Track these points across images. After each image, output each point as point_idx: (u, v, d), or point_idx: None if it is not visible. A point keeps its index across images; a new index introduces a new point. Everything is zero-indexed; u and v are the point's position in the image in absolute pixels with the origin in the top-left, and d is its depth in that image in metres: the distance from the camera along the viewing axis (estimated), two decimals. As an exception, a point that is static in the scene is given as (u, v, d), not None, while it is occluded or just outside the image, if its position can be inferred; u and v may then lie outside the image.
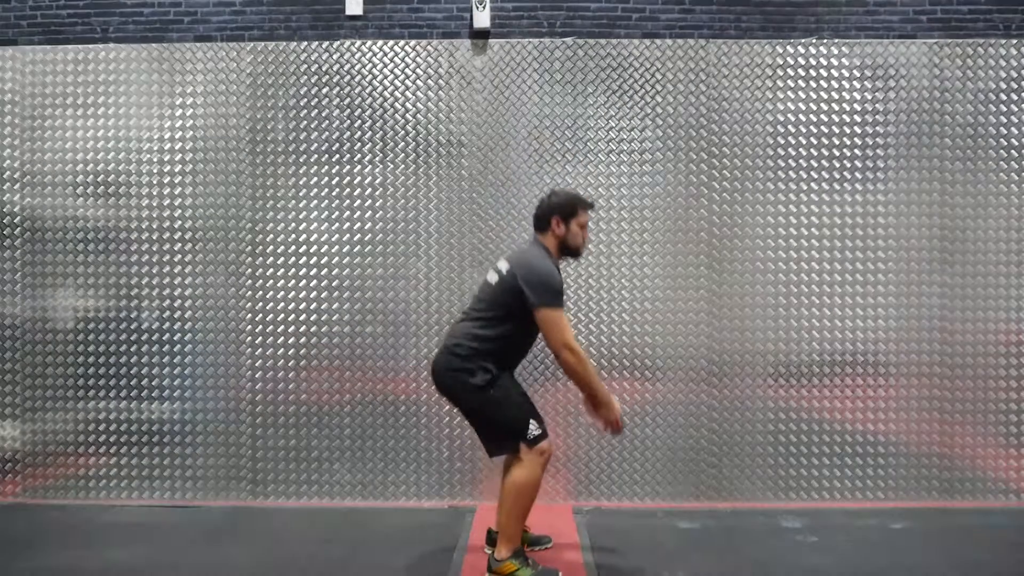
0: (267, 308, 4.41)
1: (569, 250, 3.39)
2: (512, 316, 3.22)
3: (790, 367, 4.37)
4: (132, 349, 4.41)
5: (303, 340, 4.40)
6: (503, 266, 3.33)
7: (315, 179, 4.42)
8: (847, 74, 4.41)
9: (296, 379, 4.40)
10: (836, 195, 4.39)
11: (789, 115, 4.41)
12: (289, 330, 4.40)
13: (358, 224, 4.42)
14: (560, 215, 3.33)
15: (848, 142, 4.40)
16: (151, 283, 4.42)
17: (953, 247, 4.38)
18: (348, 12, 4.45)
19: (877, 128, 4.40)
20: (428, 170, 4.41)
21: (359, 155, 4.42)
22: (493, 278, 3.33)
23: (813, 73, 4.42)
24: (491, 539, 3.51)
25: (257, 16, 4.49)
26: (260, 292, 4.41)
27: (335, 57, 4.44)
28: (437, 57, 4.43)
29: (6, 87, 4.46)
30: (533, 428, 3.20)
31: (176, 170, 4.44)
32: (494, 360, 3.23)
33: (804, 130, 4.41)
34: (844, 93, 4.41)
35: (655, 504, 4.31)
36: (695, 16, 4.46)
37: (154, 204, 4.44)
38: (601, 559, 3.46)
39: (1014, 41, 4.41)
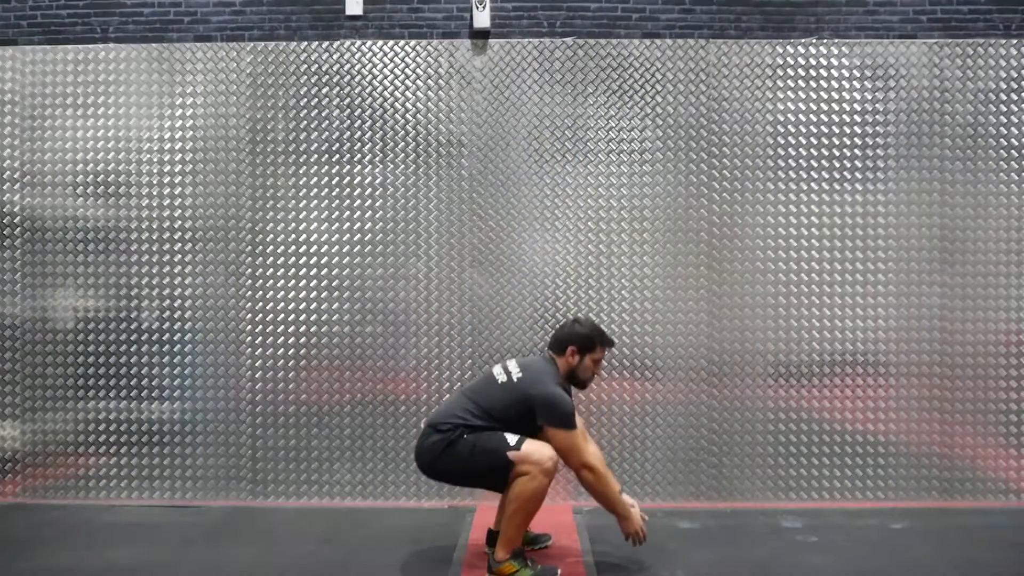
0: (267, 308, 4.41)
1: (576, 381, 3.40)
2: (514, 421, 3.23)
3: (790, 367, 4.37)
4: (132, 349, 4.41)
5: (303, 340, 4.40)
6: (513, 370, 3.32)
7: (315, 179, 4.42)
8: (847, 74, 4.41)
9: (296, 379, 4.40)
10: (836, 195, 4.39)
11: (789, 115, 4.41)
12: (289, 330, 4.40)
13: (358, 224, 4.42)
14: (578, 346, 3.34)
15: (848, 142, 4.40)
16: (151, 283, 4.42)
17: (953, 247, 4.38)
18: (348, 12, 4.45)
19: (877, 128, 4.40)
20: (428, 170, 4.41)
21: (359, 155, 4.42)
22: (501, 377, 3.31)
23: (813, 73, 4.42)
24: (491, 539, 3.50)
25: (257, 16, 4.49)
26: (260, 292, 4.41)
27: (335, 57, 4.44)
28: (437, 57, 4.43)
29: (6, 87, 4.46)
30: (510, 439, 3.16)
31: (176, 170, 4.44)
32: (481, 424, 3.23)
33: (804, 130, 4.41)
34: (844, 93, 4.41)
35: (655, 504, 4.30)
36: (695, 16, 4.46)
37: (154, 204, 4.44)
38: (601, 559, 3.46)
39: (1014, 41, 4.41)
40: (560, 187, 4.39)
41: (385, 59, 4.43)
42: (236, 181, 4.43)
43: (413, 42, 4.44)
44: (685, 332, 4.38)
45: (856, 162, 4.40)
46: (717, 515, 4.12)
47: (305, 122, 4.43)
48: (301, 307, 4.41)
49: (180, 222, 4.43)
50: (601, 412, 4.37)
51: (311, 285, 4.41)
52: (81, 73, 4.46)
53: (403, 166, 4.42)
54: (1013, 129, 4.39)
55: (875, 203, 4.39)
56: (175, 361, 4.41)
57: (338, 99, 4.43)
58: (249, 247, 4.42)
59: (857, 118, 4.41)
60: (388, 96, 4.42)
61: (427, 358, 4.38)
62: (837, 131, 4.40)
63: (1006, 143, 4.39)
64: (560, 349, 3.38)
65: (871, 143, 4.40)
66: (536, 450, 3.15)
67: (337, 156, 4.42)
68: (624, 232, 4.39)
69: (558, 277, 4.35)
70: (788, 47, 4.42)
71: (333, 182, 4.42)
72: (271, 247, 4.42)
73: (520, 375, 3.29)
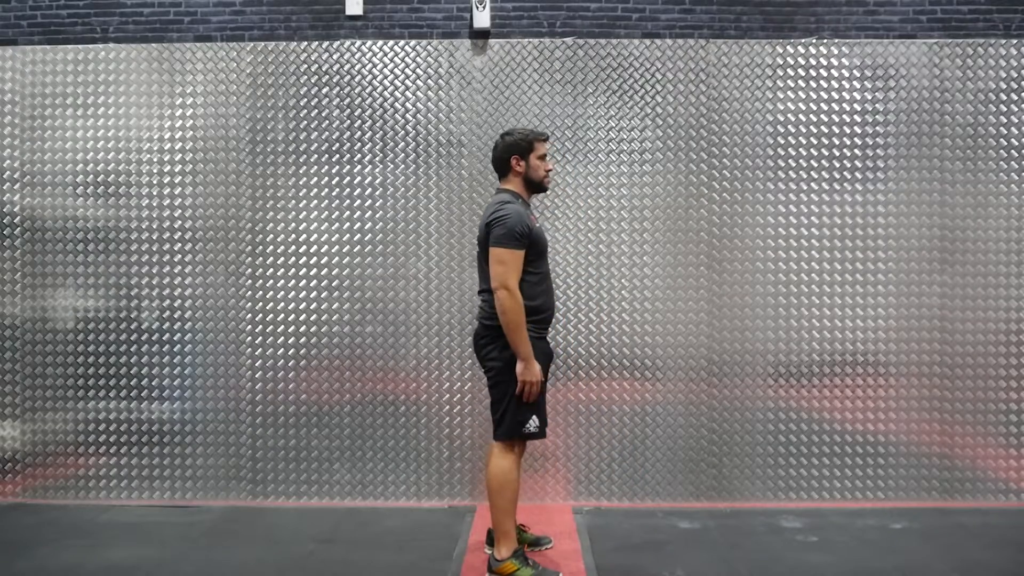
0: (267, 308, 4.41)
1: (535, 185, 3.40)
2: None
3: (790, 367, 4.37)
4: (132, 349, 4.41)
5: (303, 340, 4.40)
6: (481, 227, 3.35)
7: (315, 179, 4.42)
8: (847, 74, 4.41)
9: (296, 379, 4.40)
10: (836, 195, 4.39)
11: (789, 115, 4.41)
12: (289, 330, 4.40)
13: (358, 224, 4.42)
14: (517, 153, 3.35)
15: (848, 142, 4.40)
16: (151, 283, 4.42)
17: (953, 247, 4.38)
18: (348, 12, 4.45)
19: (877, 128, 4.40)
20: (428, 170, 4.41)
21: (359, 155, 4.42)
22: (480, 235, 3.35)
23: (813, 73, 4.42)
24: (491, 539, 3.50)
25: (257, 16, 4.49)
26: (260, 292, 4.41)
27: (335, 57, 4.44)
28: (437, 57, 4.43)
29: (6, 87, 4.46)
30: (532, 425, 3.23)
31: (176, 170, 4.44)
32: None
33: (804, 130, 4.41)
34: (844, 93, 4.41)
35: (655, 504, 4.31)
36: (695, 16, 4.46)
37: (154, 204, 4.44)
38: (601, 559, 3.46)
39: (1014, 41, 4.41)
40: (560, 187, 4.39)
41: (385, 59, 4.43)
42: (236, 181, 4.43)
43: (413, 42, 4.44)
44: (685, 332, 4.38)
45: (856, 162, 4.40)
46: (717, 515, 4.12)
47: (305, 122, 4.43)
48: (301, 307, 4.41)
49: (180, 222, 4.43)
50: (601, 412, 4.37)
51: (311, 285, 4.41)
52: (81, 73, 4.46)
53: (403, 166, 4.42)
54: (1013, 129, 4.39)
55: (875, 203, 4.39)
56: (175, 361, 4.41)
57: (338, 99, 4.43)
58: (249, 247, 4.42)
59: (857, 118, 4.41)
60: (388, 96, 4.42)
61: (427, 358, 4.38)
62: (837, 131, 4.40)
63: (1006, 143, 4.39)
64: (504, 168, 3.38)
65: (871, 143, 4.40)
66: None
67: (337, 156, 4.43)
68: (624, 232, 4.39)
69: (558, 277, 4.35)
70: (788, 47, 4.42)
71: (333, 182, 4.42)
72: (271, 247, 4.42)
73: (483, 218, 3.30)
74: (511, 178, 3.38)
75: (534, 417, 3.25)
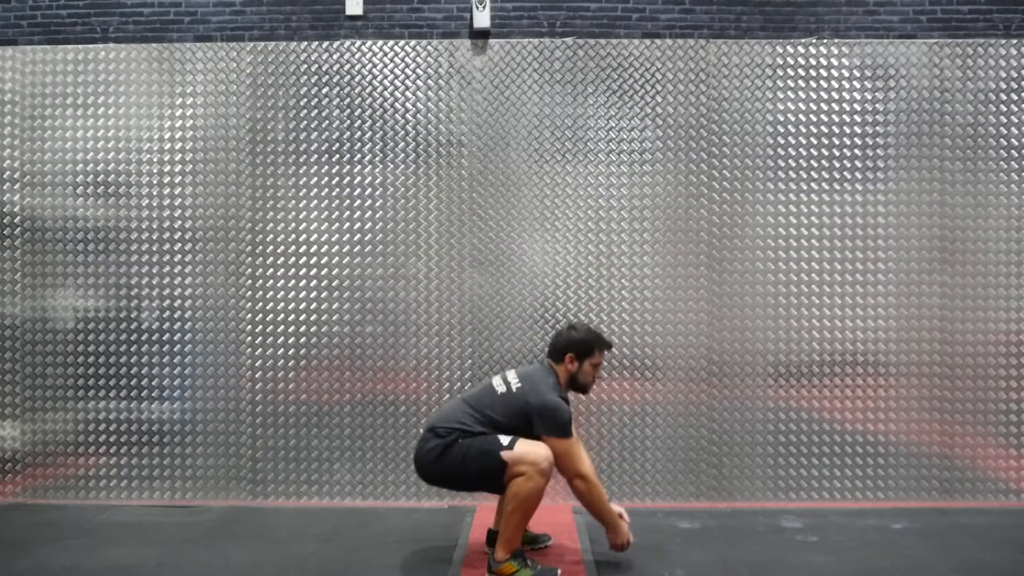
0: (267, 308, 4.41)
1: (577, 387, 3.42)
2: (512, 430, 3.24)
3: (790, 367, 4.37)
4: (132, 349, 4.41)
5: (303, 340, 4.40)
6: (512, 380, 3.34)
7: (315, 179, 4.42)
8: (847, 74, 4.41)
9: (296, 379, 4.40)
10: (836, 195, 4.39)
11: (789, 115, 4.41)
12: (289, 330, 4.40)
13: (358, 224, 4.42)
14: (575, 353, 3.36)
15: (848, 142, 4.40)
16: (151, 283, 4.42)
17: (953, 247, 4.38)
18: (348, 12, 4.45)
19: (877, 128, 4.40)
20: (428, 170, 4.41)
21: (359, 155, 4.42)
22: (500, 388, 3.33)
23: (813, 73, 4.42)
24: (491, 539, 3.51)
25: (257, 16, 4.49)
26: (260, 292, 4.41)
27: (335, 57, 4.44)
28: (437, 57, 4.43)
29: (6, 87, 4.46)
30: (503, 440, 3.18)
31: (176, 170, 4.44)
32: (481, 430, 3.25)
33: (804, 130, 4.41)
34: (844, 93, 4.41)
35: (655, 504, 4.30)
36: (695, 16, 4.46)
37: (154, 204, 4.44)
38: (601, 559, 3.46)
39: (1014, 41, 4.41)
40: (560, 187, 4.40)
41: (385, 59, 4.43)
42: (236, 181, 4.43)
43: (413, 42, 4.44)
44: (685, 332, 4.38)
45: (856, 162, 4.40)
46: (717, 515, 4.11)
47: (305, 122, 4.43)
48: (301, 307, 4.41)
49: (180, 222, 4.43)
50: (601, 412, 4.37)
51: (311, 285, 4.41)
52: (81, 73, 4.46)
53: (403, 166, 4.42)
54: (1013, 129, 4.39)
55: (875, 203, 4.39)
56: (175, 361, 4.41)
57: (338, 99, 4.43)
58: (249, 247, 4.42)
59: (857, 118, 4.41)
60: (388, 96, 4.42)
61: (427, 358, 4.38)
62: (837, 131, 4.40)
63: (1006, 143, 4.39)
64: (559, 357, 3.39)
65: (871, 143, 4.40)
66: (531, 450, 3.16)
67: (337, 156, 4.43)
68: (624, 232, 4.39)
69: (558, 277, 4.35)
70: (788, 47, 4.42)
71: (333, 182, 4.42)
72: (271, 247, 4.42)
73: (519, 385, 3.30)
74: (560, 367, 3.39)
75: (499, 437, 3.19)
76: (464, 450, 3.19)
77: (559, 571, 3.25)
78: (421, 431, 3.53)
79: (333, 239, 4.41)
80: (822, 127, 4.41)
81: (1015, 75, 4.40)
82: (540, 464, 3.13)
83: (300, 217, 4.42)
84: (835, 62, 4.41)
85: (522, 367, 3.53)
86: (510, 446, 3.16)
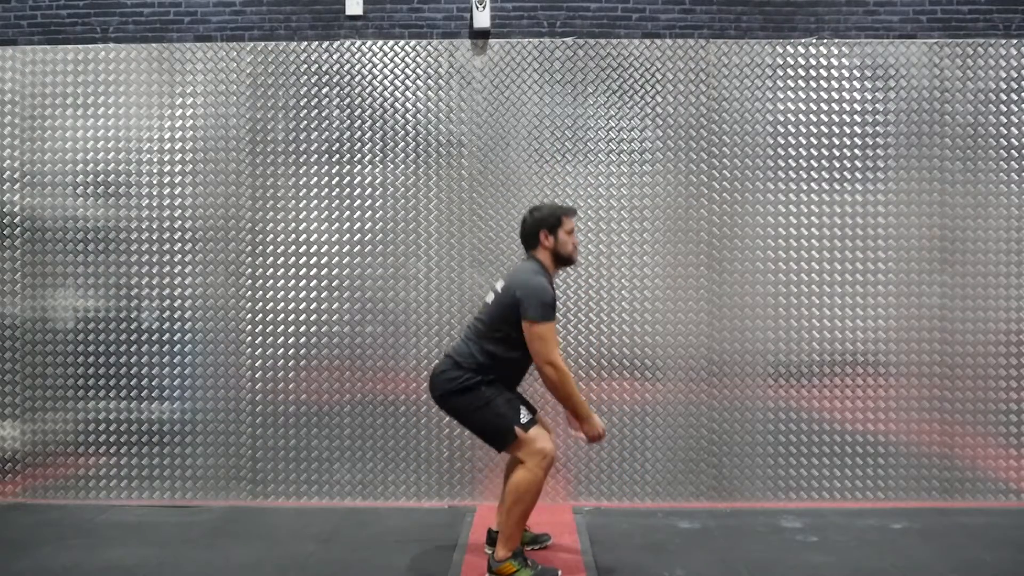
0: (267, 308, 4.41)
1: (562, 259, 3.42)
2: (511, 337, 3.25)
3: (790, 367, 4.37)
4: (132, 349, 4.41)
5: (303, 340, 4.40)
6: (499, 286, 3.36)
7: (315, 179, 4.42)
8: (847, 74, 4.41)
9: (296, 379, 4.40)
10: (836, 195, 4.39)
11: (789, 115, 4.41)
12: (289, 330, 4.40)
13: (358, 224, 4.42)
14: (546, 228, 3.36)
15: (848, 142, 4.40)
16: (151, 283, 4.42)
17: (953, 247, 4.38)
18: (348, 12, 4.45)
19: (877, 128, 4.40)
20: (428, 170, 4.41)
21: (359, 155, 4.42)
22: (490, 298, 3.36)
23: (813, 73, 4.42)
24: (491, 539, 3.51)
25: (257, 16, 4.49)
26: (260, 292, 4.41)
27: (335, 57, 4.44)
28: (437, 57, 4.43)
29: (6, 87, 4.46)
30: (524, 414, 3.24)
31: (176, 170, 4.44)
32: (493, 375, 3.28)
33: (804, 130, 4.41)
34: (844, 93, 4.41)
35: (655, 504, 4.31)
36: (695, 16, 4.46)
37: (154, 204, 4.44)
38: (601, 559, 3.46)
39: (1014, 41, 4.41)
40: (560, 187, 4.40)
41: (385, 59, 4.43)
42: (236, 181, 4.44)
43: (413, 42, 4.44)
44: (685, 332, 4.38)
45: (856, 162, 4.40)
46: (717, 515, 4.11)
47: (305, 122, 4.43)
48: (301, 307, 4.41)
49: (180, 222, 4.43)
50: (601, 412, 4.36)
51: (311, 285, 4.41)
52: (81, 73, 4.46)
53: (403, 166, 4.42)
54: (1013, 129, 4.39)
55: (875, 203, 4.39)
56: (175, 361, 4.41)
57: (338, 99, 4.43)
58: (249, 247, 4.42)
59: (857, 118, 4.41)
60: (388, 96, 4.42)
61: (427, 358, 4.38)
62: (837, 131, 4.40)
63: (1006, 143, 4.39)
64: (533, 242, 3.40)
65: (871, 143, 4.40)
66: (539, 440, 3.20)
67: (337, 156, 4.43)
68: (624, 232, 4.39)
69: (558, 277, 4.34)
70: (788, 47, 4.42)
71: (333, 182, 4.42)
72: (271, 247, 4.42)
73: (503, 283, 3.33)
74: (539, 251, 3.39)
75: (521, 409, 3.25)
76: (484, 400, 3.23)
77: (559, 572, 3.25)
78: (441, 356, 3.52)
79: (333, 239, 4.41)
80: (822, 127, 4.41)
81: (1015, 75, 4.40)
82: (546, 458, 3.17)
83: (300, 217, 4.42)
84: (835, 62, 4.41)
85: (506, 272, 3.53)
86: (527, 426, 3.21)
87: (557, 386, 3.20)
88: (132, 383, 4.42)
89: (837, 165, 4.40)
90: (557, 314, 4.27)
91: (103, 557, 3.52)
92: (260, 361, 4.40)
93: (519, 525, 3.23)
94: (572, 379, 3.24)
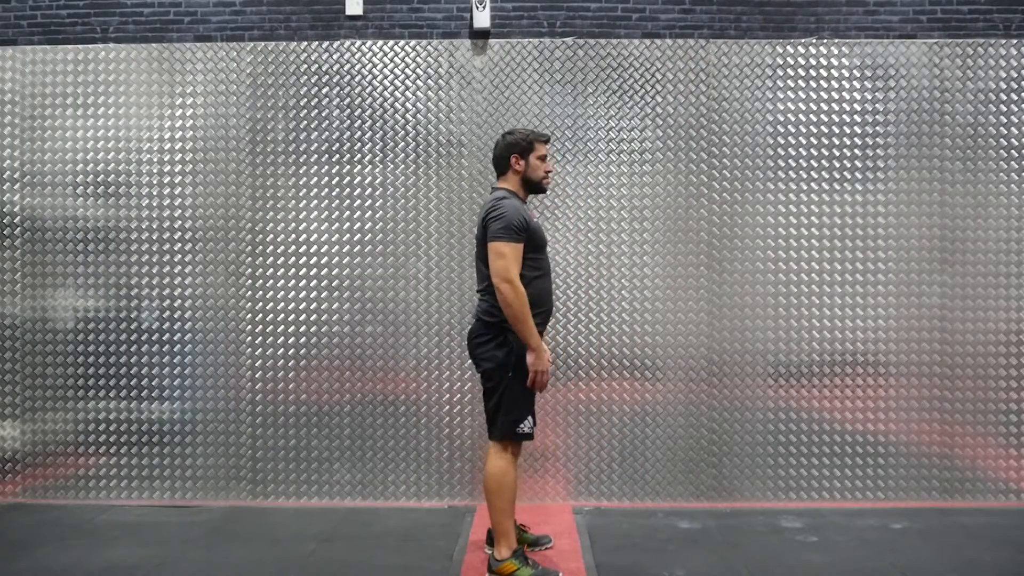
0: (267, 308, 4.41)
1: (533, 185, 3.41)
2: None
3: (790, 367, 4.37)
4: (132, 349, 4.41)
5: (303, 340, 4.40)
6: (479, 221, 3.36)
7: (315, 179, 4.42)
8: (847, 74, 4.41)
9: (296, 379, 4.40)
10: (836, 195, 4.39)
11: (789, 115, 4.41)
12: (289, 330, 4.40)
13: (358, 224, 4.42)
14: (517, 152, 3.36)
15: (848, 142, 4.40)
16: (151, 283, 4.42)
17: (953, 247, 4.38)
18: (348, 12, 4.45)
19: (877, 128, 4.40)
20: (428, 170, 4.41)
21: (359, 155, 4.42)
22: (479, 233, 3.36)
23: (813, 73, 4.42)
24: (491, 539, 3.50)
25: (257, 16, 4.49)
26: (260, 292, 4.41)
27: (335, 57, 4.44)
28: (437, 57, 4.43)
29: (6, 87, 4.46)
30: (526, 426, 3.25)
31: (176, 170, 4.44)
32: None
33: (804, 130, 4.41)
34: (844, 93, 4.41)
35: (655, 504, 4.31)
36: (695, 16, 4.46)
37: (154, 204, 4.44)
38: (601, 559, 3.46)
39: (1014, 41, 4.41)
40: (560, 187, 4.39)
41: (385, 59, 4.43)
42: (236, 181, 4.43)
43: (413, 42, 4.44)
44: (685, 332, 4.38)
45: (856, 162, 4.40)
46: (717, 515, 4.11)
47: (305, 122, 4.43)
48: (301, 307, 4.41)
49: (180, 222, 4.43)
50: (601, 412, 4.37)
51: (311, 285, 4.41)
52: (81, 73, 4.46)
53: (403, 166, 4.42)
54: (1013, 129, 4.39)
55: (875, 203, 4.39)
56: (175, 361, 4.41)
57: (338, 99, 4.43)
58: (249, 247, 4.42)
59: (857, 118, 4.41)
60: (388, 96, 4.42)
61: (427, 358, 4.38)
62: (837, 131, 4.40)
63: (1006, 143, 4.39)
64: (504, 167, 3.39)
65: (871, 143, 4.40)
66: (519, 449, 3.35)
67: (337, 156, 4.43)
68: (624, 232, 4.39)
69: (558, 277, 4.35)
70: (788, 47, 4.42)
71: (333, 182, 4.42)
72: (271, 247, 4.42)
73: (480, 216, 3.33)
74: (509, 176, 3.39)
75: (529, 418, 3.28)
76: (504, 387, 3.24)
77: (559, 572, 3.25)
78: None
79: (333, 239, 4.41)
80: (822, 127, 4.41)
81: (1015, 75, 4.40)
82: (509, 444, 3.28)
83: (300, 217, 4.42)
84: (835, 62, 4.41)
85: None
86: (529, 433, 3.28)
87: (510, 303, 3.12)
88: (132, 383, 4.42)
89: (837, 165, 4.40)
90: (556, 312, 4.30)
91: (103, 557, 3.52)
92: (260, 361, 4.40)
93: (503, 517, 3.24)
94: (527, 303, 3.15)
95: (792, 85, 4.41)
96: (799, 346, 4.37)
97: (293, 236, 4.42)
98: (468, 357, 3.44)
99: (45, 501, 4.38)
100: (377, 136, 4.42)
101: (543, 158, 3.39)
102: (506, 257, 3.14)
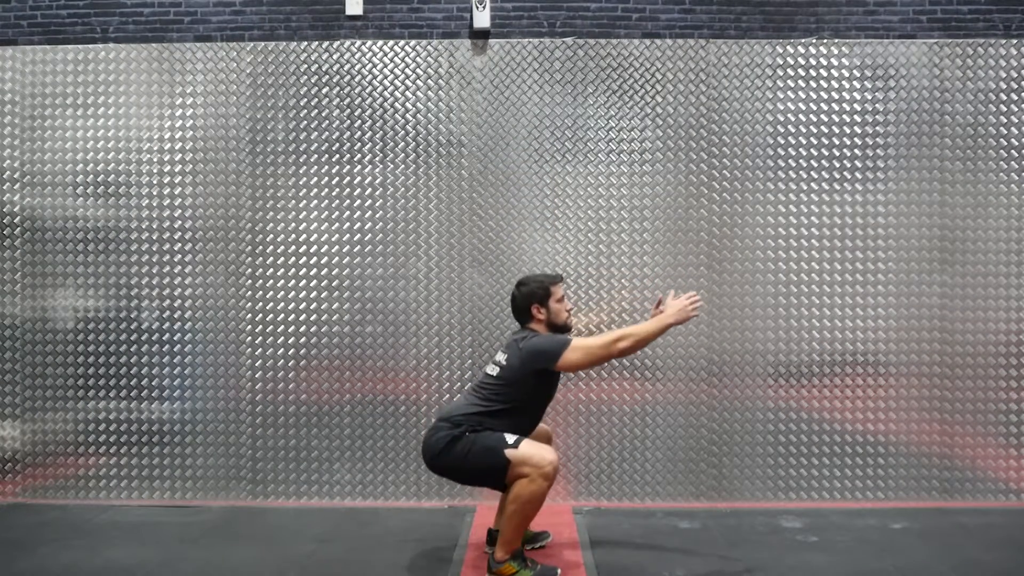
0: (267, 308, 4.41)
1: (558, 328, 3.43)
2: (521, 399, 3.27)
3: (790, 367, 4.37)
4: (132, 349, 4.41)
5: (303, 340, 4.40)
6: (500, 358, 3.35)
7: (315, 179, 4.42)
8: (847, 74, 4.41)
9: (296, 379, 4.40)
10: (836, 195, 4.39)
11: (789, 115, 4.41)
12: (289, 330, 4.40)
13: (358, 224, 4.42)
14: (536, 302, 3.39)
15: (848, 142, 4.40)
16: (151, 283, 4.42)
17: (953, 247, 4.38)
18: (348, 12, 4.45)
19: (877, 128, 4.40)
20: (428, 170, 4.41)
21: (359, 155, 4.42)
22: (494, 370, 3.33)
23: (813, 73, 4.42)
24: (491, 539, 3.51)
25: (257, 16, 4.49)
26: (260, 292, 4.41)
27: (335, 57, 4.44)
28: (437, 57, 4.43)
29: (6, 87, 4.46)
30: (509, 438, 3.16)
31: (176, 170, 4.44)
32: (482, 428, 3.23)
33: (804, 130, 4.41)
34: (844, 93, 4.41)
35: (655, 504, 4.31)
36: (695, 16, 4.46)
37: (154, 204, 4.44)
38: (601, 559, 3.46)
39: (1014, 41, 4.41)
40: (560, 187, 4.40)
41: (385, 59, 4.43)
42: (236, 181, 4.44)
43: (413, 42, 4.44)
44: (685, 332, 4.38)
45: (856, 162, 4.40)
46: (717, 515, 4.11)
47: (305, 122, 4.43)
48: (301, 307, 4.41)
49: (180, 222, 4.43)
50: (601, 412, 4.37)
51: (311, 285, 4.41)
52: (81, 73, 4.46)
53: (403, 166, 4.42)
54: (1013, 129, 4.39)
55: (875, 203, 4.39)
56: (175, 361, 4.41)
57: (338, 99, 4.43)
58: (249, 247, 4.42)
59: (857, 118, 4.41)
60: (388, 96, 4.42)
61: (427, 358, 4.38)
62: (837, 131, 4.40)
63: (1006, 143, 4.39)
64: (526, 317, 3.42)
65: (871, 143, 4.40)
66: (535, 452, 3.13)
67: (337, 156, 4.43)
68: (624, 232, 4.39)
69: (558, 277, 4.34)
70: (788, 47, 4.42)
71: (333, 182, 4.42)
72: (271, 247, 4.42)
73: (507, 354, 3.33)
74: (533, 324, 3.42)
75: (505, 435, 3.17)
76: (469, 445, 3.18)
77: (559, 570, 3.25)
78: (433, 420, 3.52)
79: (333, 239, 4.41)
80: (822, 127, 4.41)
81: (1015, 75, 4.40)
82: (544, 467, 3.09)
83: (300, 217, 4.42)
84: (835, 62, 4.41)
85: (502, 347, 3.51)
86: (515, 445, 3.13)
87: (638, 344, 3.23)
88: (132, 383, 4.42)
89: (837, 165, 4.40)
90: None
91: (103, 557, 3.52)
92: (260, 361, 4.40)
93: (519, 531, 3.21)
94: (636, 331, 3.22)
95: (792, 85, 4.41)
96: (799, 346, 4.37)
97: (293, 236, 4.42)
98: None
99: (45, 501, 4.38)
100: (377, 136, 4.42)
101: (561, 299, 3.43)
102: (588, 349, 3.23)
